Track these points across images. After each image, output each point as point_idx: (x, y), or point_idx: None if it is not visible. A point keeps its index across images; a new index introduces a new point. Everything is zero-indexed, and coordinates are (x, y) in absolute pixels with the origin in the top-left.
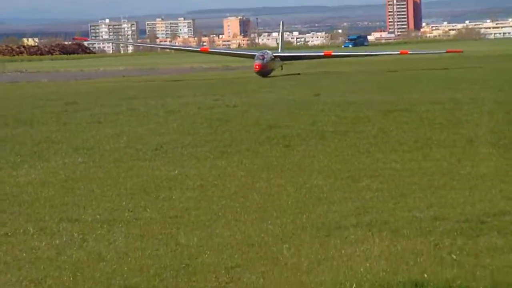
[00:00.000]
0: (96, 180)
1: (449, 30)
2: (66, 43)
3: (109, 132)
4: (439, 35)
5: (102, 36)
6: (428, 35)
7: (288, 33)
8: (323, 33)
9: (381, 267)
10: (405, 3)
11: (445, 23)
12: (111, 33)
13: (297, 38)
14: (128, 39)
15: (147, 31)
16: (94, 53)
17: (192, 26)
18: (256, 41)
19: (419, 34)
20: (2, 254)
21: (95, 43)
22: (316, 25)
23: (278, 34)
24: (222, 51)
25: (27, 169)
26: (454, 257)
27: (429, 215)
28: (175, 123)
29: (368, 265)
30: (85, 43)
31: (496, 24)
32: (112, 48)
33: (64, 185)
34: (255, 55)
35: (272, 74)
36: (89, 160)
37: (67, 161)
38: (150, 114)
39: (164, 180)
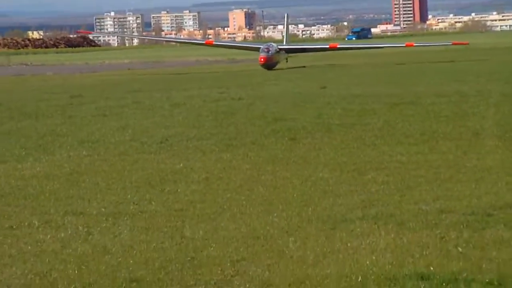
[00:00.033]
0: (101, 173)
1: (455, 22)
2: (71, 36)
3: (114, 125)
4: (445, 28)
5: (107, 29)
6: (434, 27)
7: (293, 25)
8: (329, 25)
9: (387, 260)
10: None
11: (451, 15)
12: (116, 26)
13: (302, 31)
14: (133, 32)
15: (152, 24)
16: (99, 46)
17: (197, 19)
18: (262, 34)
19: (425, 26)
20: (7, 247)
21: (100, 36)
22: (322, 17)
23: (283, 27)
24: (226, 44)
25: (32, 162)
26: (460, 249)
27: (435, 208)
28: (180, 116)
29: (374, 258)
30: (90, 36)
31: (502, 16)
32: (117, 41)
33: (69, 178)
34: (260, 48)
35: (277, 66)
36: (94, 153)
37: (72, 154)
38: (155, 107)
39: (169, 173)
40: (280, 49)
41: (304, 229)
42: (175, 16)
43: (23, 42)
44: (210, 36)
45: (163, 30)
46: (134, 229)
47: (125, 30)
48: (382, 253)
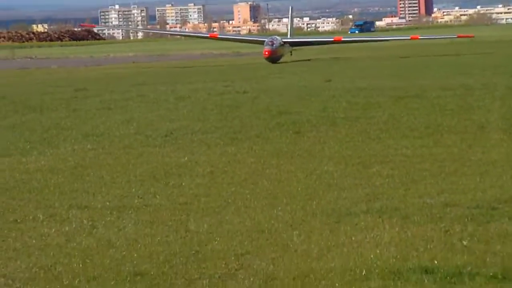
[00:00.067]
0: (106, 167)
1: (461, 15)
2: (75, 29)
3: (119, 118)
4: (450, 21)
5: (111, 22)
6: (439, 20)
7: (298, 18)
8: (334, 18)
9: (391, 253)
10: None
11: (456, 8)
12: (121, 19)
13: (307, 24)
14: (138, 25)
15: (157, 17)
16: (104, 39)
17: (202, 12)
18: (267, 27)
19: (430, 19)
20: (12, 240)
21: (104, 29)
22: (327, 10)
23: (288, 20)
24: (231, 37)
25: (36, 155)
26: (465, 243)
27: (440, 201)
28: (185, 109)
29: (378, 251)
30: (95, 29)
31: (508, 9)
32: (122, 34)
33: (74, 171)
34: (264, 41)
35: (281, 60)
36: (99, 146)
37: (77, 148)
38: (160, 101)
39: (174, 166)
40: (285, 42)
41: (309, 222)
42: (180, 9)
43: (27, 35)
44: (215, 29)
45: (168, 23)
46: (138, 222)
47: (129, 23)
48: (387, 247)
